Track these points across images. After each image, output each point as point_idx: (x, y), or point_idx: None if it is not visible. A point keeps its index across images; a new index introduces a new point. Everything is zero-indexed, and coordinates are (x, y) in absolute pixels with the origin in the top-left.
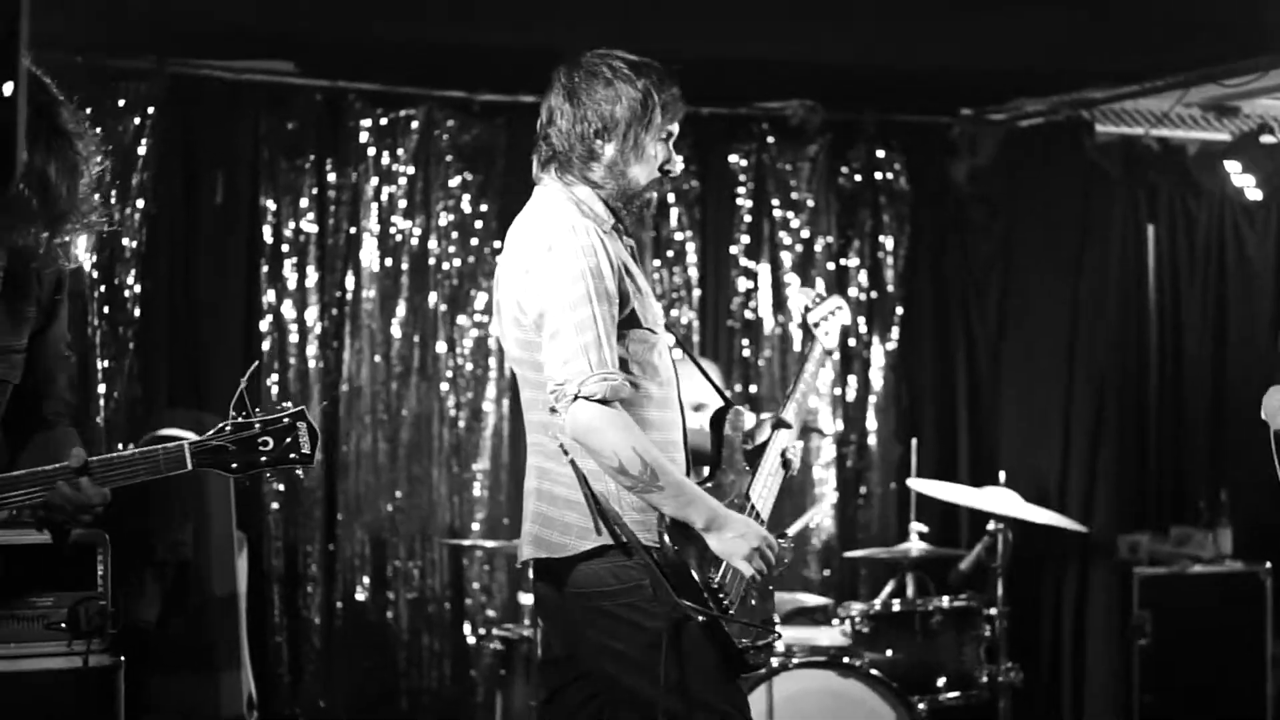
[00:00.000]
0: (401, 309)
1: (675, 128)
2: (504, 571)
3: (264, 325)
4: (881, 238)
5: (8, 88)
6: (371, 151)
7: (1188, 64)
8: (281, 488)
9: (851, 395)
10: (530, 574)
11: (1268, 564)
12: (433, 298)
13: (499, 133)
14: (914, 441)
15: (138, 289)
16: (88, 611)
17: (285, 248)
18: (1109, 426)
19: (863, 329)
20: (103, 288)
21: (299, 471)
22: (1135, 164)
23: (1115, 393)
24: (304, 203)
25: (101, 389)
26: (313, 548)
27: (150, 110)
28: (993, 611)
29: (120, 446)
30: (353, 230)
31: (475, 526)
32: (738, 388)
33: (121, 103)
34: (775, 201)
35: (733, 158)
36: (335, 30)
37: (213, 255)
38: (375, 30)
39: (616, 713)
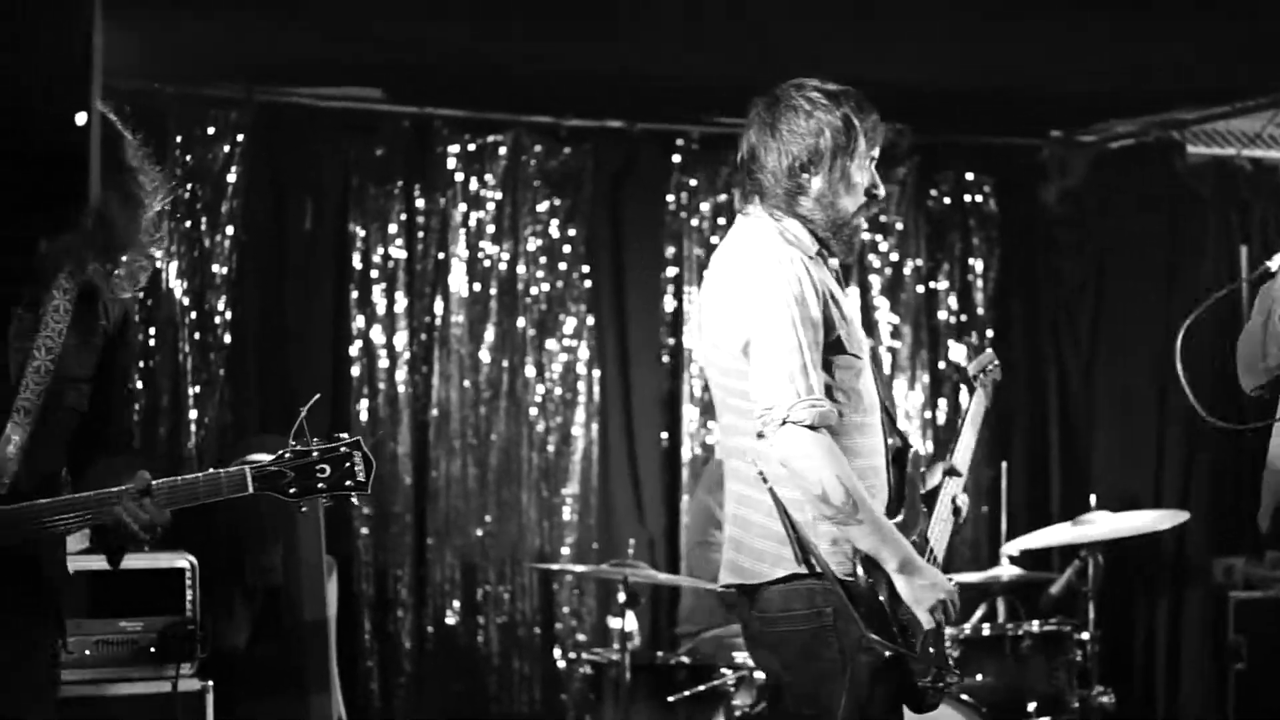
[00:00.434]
0: (490, 334)
1: (877, 152)
2: (593, 596)
3: (353, 351)
4: (971, 260)
5: (80, 117)
6: (459, 177)
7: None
8: (369, 512)
9: (941, 418)
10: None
11: None
12: (521, 322)
13: (586, 157)
14: (1004, 465)
15: (228, 315)
16: (177, 636)
17: (374, 273)
18: (1203, 449)
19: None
20: (193, 314)
21: (354, 499)
22: (1227, 184)
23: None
24: (393, 228)
25: (192, 415)
26: (403, 572)
27: (240, 138)
28: (1084, 636)
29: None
30: (441, 256)
31: (565, 551)
32: None
33: (211, 130)
34: (864, 225)
35: None
36: (422, 57)
37: (302, 281)
38: (462, 57)
39: None
